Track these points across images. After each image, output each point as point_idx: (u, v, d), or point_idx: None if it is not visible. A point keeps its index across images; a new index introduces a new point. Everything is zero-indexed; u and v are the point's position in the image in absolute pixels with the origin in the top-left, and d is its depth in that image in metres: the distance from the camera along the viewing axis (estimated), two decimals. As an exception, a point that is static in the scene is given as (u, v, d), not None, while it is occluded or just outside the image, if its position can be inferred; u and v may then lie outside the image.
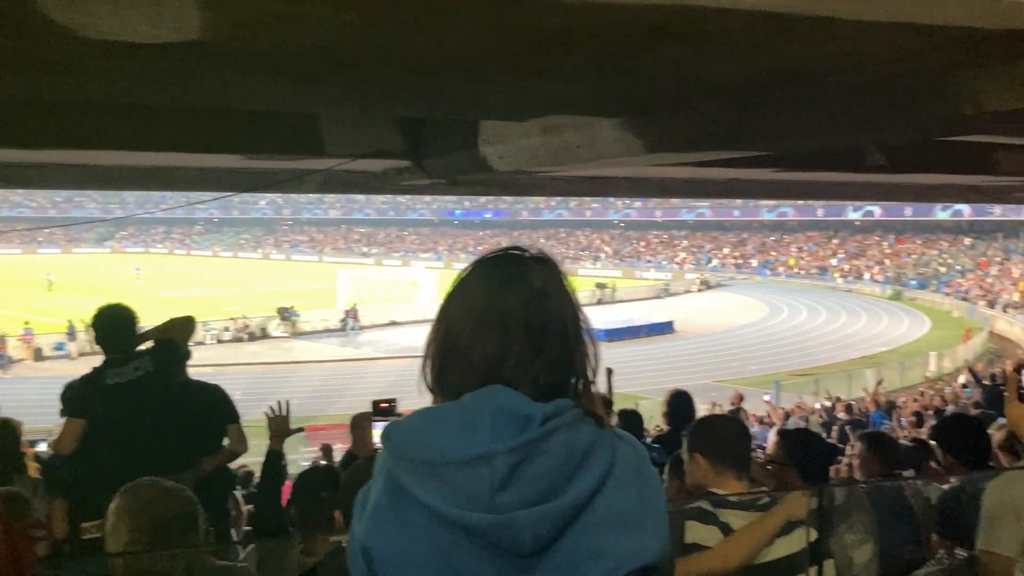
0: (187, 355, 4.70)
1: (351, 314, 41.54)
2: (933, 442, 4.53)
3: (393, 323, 42.13)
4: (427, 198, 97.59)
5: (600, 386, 1.46)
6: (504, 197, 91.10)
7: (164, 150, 4.46)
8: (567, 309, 1.35)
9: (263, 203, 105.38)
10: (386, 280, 53.56)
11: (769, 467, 3.78)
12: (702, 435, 2.87)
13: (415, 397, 1.36)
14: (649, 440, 6.35)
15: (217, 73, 2.55)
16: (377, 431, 4.73)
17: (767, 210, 72.80)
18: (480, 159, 4.07)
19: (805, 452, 3.68)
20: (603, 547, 1.24)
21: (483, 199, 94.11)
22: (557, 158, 3.73)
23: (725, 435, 2.86)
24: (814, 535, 2.91)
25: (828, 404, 17.96)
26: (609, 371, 6.73)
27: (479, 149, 4.03)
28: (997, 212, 55.32)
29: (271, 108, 3.89)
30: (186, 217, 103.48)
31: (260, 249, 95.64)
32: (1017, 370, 1.98)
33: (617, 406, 6.88)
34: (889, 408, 14.53)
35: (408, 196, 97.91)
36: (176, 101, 3.36)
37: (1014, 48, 1.90)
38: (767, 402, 16.11)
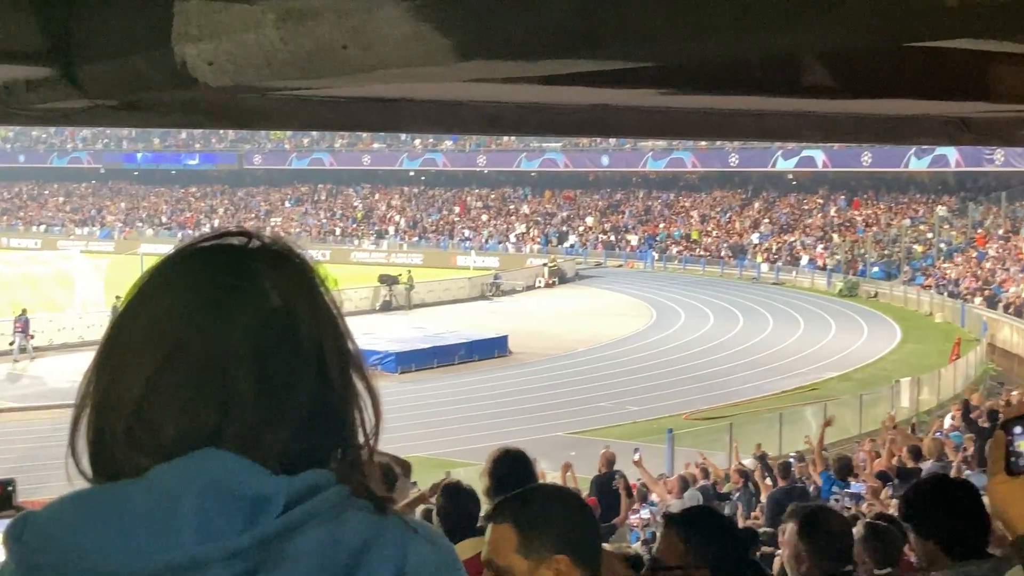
0: None
1: (19, 326, 39.20)
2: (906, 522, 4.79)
3: (22, 350, 40.26)
4: (85, 132, 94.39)
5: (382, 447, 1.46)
6: (220, 132, 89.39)
7: None
8: (325, 335, 1.38)
9: None
10: (13, 274, 51.69)
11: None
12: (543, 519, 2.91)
13: (58, 479, 1.35)
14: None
15: None
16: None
17: (653, 156, 75.26)
18: (176, 66, 3.97)
19: (714, 545, 3.81)
20: None
21: (183, 135, 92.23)
22: (309, 66, 3.68)
23: (565, 517, 2.94)
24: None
25: (748, 463, 18.73)
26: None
27: (174, 48, 3.94)
28: (997, 160, 59.35)
29: None
30: None
31: None
32: (1006, 426, 2.09)
33: (417, 476, 6.92)
34: (844, 467, 15.31)
35: (53, 129, 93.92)
36: None
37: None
38: (637, 463, 16.55)
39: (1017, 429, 2.07)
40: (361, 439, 1.39)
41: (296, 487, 1.28)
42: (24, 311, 40.42)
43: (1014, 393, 27.28)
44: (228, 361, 1.32)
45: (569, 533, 2.90)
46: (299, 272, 1.39)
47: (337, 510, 1.29)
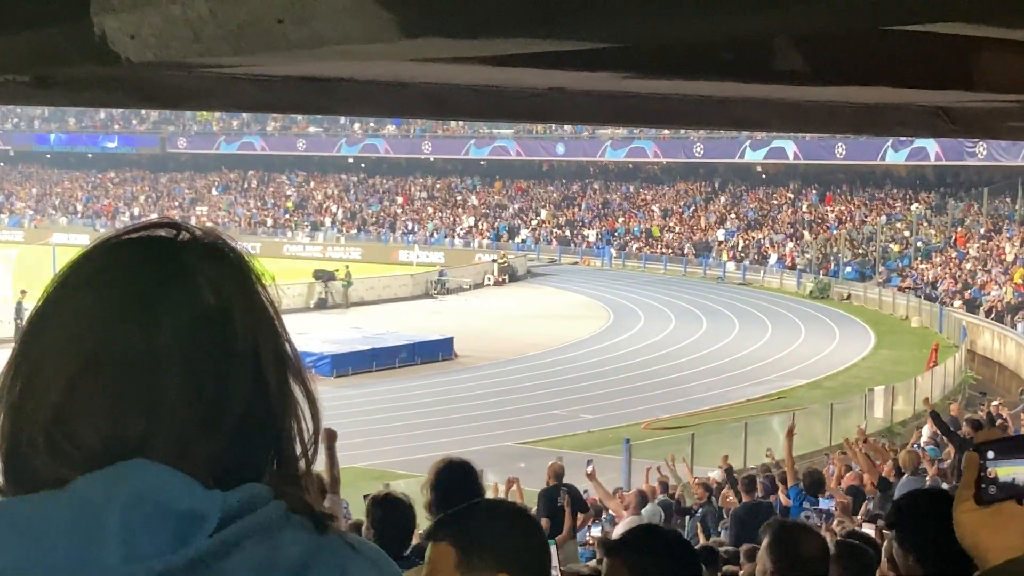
0: None
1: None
2: (888, 533, 4.80)
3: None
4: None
5: (319, 460, 1.46)
6: (142, 112, 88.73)
7: None
8: (262, 336, 1.38)
9: None
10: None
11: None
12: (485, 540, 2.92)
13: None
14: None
15: None
16: None
17: (612, 145, 75.44)
18: (95, 38, 3.95)
19: (670, 567, 3.81)
20: None
21: (101, 115, 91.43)
22: (240, 41, 3.66)
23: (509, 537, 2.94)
24: None
25: (715, 476, 18.82)
26: (331, 434, 6.76)
27: (93, 19, 3.91)
28: (979, 154, 59.88)
29: None
30: None
31: None
32: (979, 449, 2.05)
33: (350, 488, 6.92)
34: (815, 482, 15.39)
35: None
36: None
37: None
38: (590, 475, 16.67)
39: (990, 453, 2.01)
40: (298, 450, 1.38)
41: (231, 503, 1.26)
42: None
43: (995, 403, 27.39)
44: (156, 364, 1.30)
45: (513, 550, 2.90)
46: (235, 267, 1.38)
47: (274, 528, 1.28)
